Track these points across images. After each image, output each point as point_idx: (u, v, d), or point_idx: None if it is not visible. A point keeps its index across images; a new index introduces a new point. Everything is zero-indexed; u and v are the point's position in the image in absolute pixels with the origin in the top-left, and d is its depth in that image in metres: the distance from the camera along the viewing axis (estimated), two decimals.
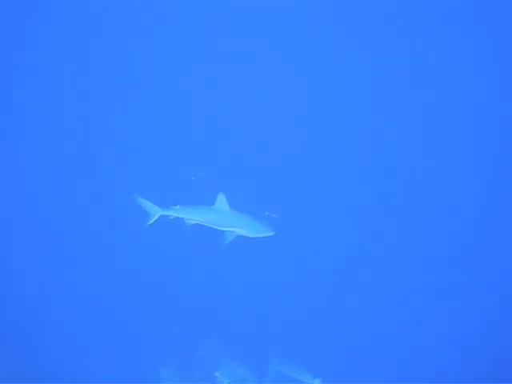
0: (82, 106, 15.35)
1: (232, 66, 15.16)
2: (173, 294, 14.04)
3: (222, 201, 9.69)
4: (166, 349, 13.03)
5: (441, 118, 14.30)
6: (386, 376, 11.90)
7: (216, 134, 14.73)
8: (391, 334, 12.88)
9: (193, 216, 9.86)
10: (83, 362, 12.55)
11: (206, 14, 15.47)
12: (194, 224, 9.98)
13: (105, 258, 13.66)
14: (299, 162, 14.34)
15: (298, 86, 14.83)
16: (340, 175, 14.01)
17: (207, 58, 15.45)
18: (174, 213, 10.02)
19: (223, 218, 9.62)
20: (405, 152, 14.15)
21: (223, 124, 14.83)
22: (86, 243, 14.03)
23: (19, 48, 15.21)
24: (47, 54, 15.48)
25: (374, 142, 14.39)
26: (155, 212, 10.09)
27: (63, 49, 15.64)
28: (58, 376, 11.64)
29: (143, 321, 13.64)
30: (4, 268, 13.19)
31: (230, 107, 14.95)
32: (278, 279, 13.72)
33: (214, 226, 9.75)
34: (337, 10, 14.39)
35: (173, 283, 14.09)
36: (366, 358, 12.47)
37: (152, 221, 10.10)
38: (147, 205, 10.16)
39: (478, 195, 13.65)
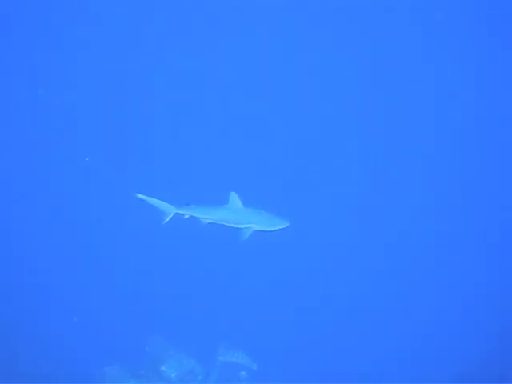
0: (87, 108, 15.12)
1: (244, 65, 15.30)
2: (120, 291, 13.91)
3: (234, 199, 10.07)
4: (112, 347, 12.89)
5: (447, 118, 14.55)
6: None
7: (219, 133, 14.76)
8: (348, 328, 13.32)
9: (208, 215, 10.15)
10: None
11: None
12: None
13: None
14: (301, 159, 14.48)
15: (305, 85, 14.91)
16: (343, 172, 14.32)
17: (220, 56, 15.58)
18: (189, 212, 10.22)
19: (239, 215, 9.99)
20: (406, 152, 14.47)
21: (228, 123, 14.91)
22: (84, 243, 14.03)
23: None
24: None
25: (382, 142, 14.58)
26: (170, 211, 10.23)
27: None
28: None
29: (91, 318, 13.49)
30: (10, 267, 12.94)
31: (238, 107, 15.03)
32: (228, 273, 14.05)
33: (230, 224, 10.09)
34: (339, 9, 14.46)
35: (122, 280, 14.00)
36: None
37: (167, 220, 10.25)
38: (161, 204, 10.26)
39: (477, 196, 14.00)
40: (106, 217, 14.07)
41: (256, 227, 9.93)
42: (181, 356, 13.40)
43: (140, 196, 10.23)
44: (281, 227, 9.99)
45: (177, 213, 10.29)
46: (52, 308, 13.34)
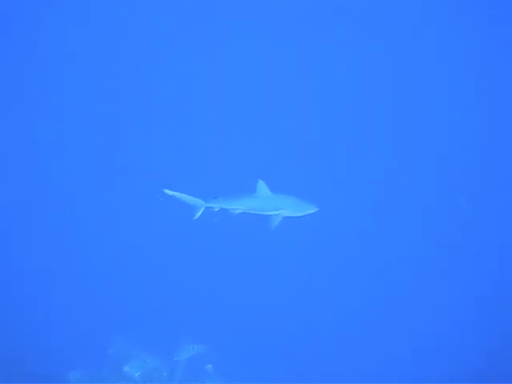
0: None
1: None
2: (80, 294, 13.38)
3: (262, 187, 10.12)
4: (75, 351, 12.30)
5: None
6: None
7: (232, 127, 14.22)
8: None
9: (238, 205, 10.18)
10: None
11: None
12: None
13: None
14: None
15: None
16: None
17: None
18: (219, 204, 10.26)
19: (268, 202, 10.07)
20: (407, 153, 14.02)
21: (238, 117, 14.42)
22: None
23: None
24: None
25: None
26: (200, 205, 10.23)
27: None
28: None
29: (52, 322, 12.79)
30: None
31: (258, 97, 14.47)
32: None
33: (260, 212, 10.14)
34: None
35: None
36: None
37: (198, 215, 10.25)
38: (191, 199, 10.23)
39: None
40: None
41: (285, 213, 10.09)
42: (144, 355, 13.11)
43: (168, 192, 10.10)
44: (310, 212, 10.23)
45: (207, 207, 10.34)
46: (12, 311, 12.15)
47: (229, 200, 10.32)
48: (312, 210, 10.23)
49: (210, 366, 13.39)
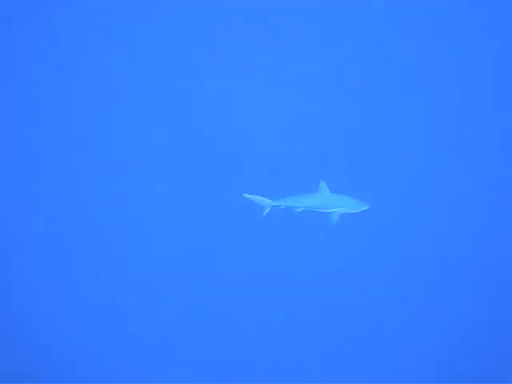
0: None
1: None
2: None
3: (323, 187, 11.16)
4: None
5: None
6: None
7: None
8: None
9: (301, 204, 11.11)
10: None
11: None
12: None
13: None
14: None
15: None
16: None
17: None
18: (284, 203, 11.17)
19: (328, 201, 11.09)
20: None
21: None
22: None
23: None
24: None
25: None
26: (267, 204, 11.22)
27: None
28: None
29: None
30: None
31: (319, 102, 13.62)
32: None
33: (320, 210, 11.15)
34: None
35: None
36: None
37: (266, 212, 11.22)
38: (259, 199, 11.21)
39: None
40: None
41: (342, 210, 11.16)
42: None
43: (246, 195, 11.21)
44: (363, 209, 11.28)
45: (273, 205, 11.26)
46: None
47: (294, 199, 11.17)
48: (365, 207, 11.36)
49: None
